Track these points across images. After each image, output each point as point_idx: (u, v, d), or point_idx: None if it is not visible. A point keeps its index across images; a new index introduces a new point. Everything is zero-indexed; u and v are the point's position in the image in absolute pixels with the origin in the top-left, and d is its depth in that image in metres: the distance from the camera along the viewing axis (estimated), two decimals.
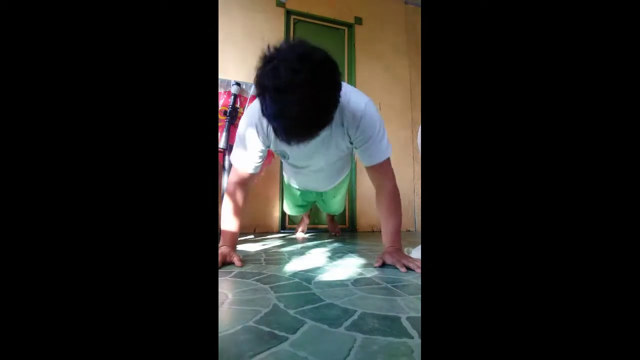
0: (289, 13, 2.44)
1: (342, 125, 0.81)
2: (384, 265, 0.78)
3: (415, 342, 0.32)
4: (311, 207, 1.75)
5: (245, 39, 2.25)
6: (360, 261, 0.87)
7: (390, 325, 0.37)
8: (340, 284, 0.60)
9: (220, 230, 0.89)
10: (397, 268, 0.74)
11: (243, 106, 1.69)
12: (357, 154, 0.90)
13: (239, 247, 1.18)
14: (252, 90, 1.74)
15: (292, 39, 0.92)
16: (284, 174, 1.43)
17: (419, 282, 0.61)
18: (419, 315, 0.41)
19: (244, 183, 0.90)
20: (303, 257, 0.95)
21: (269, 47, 0.58)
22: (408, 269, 0.72)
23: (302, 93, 0.54)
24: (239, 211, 0.89)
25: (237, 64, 2.18)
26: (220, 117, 1.60)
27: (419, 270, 0.70)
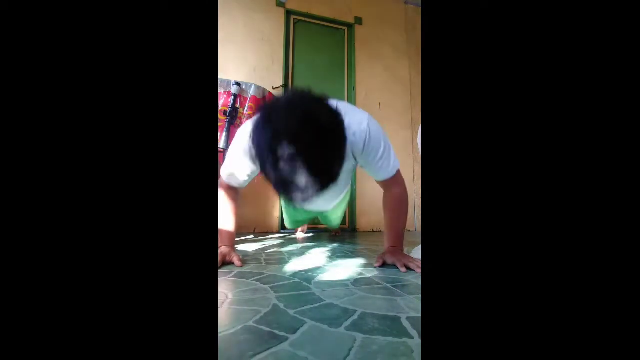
0: (289, 13, 2.44)
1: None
2: (384, 265, 0.78)
3: (415, 342, 0.33)
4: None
5: (245, 39, 2.25)
6: (360, 261, 0.87)
7: (390, 325, 0.37)
8: (340, 284, 0.60)
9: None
10: (397, 268, 0.74)
11: (243, 106, 1.69)
12: (365, 169, 0.87)
13: (239, 247, 1.18)
14: (252, 90, 1.74)
15: (290, 90, 0.82)
16: None
17: (419, 282, 0.61)
18: (419, 315, 0.41)
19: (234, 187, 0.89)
20: (303, 257, 0.95)
21: (265, 100, 0.53)
22: (408, 269, 0.72)
23: (306, 165, 0.49)
24: (234, 210, 0.88)
25: (237, 64, 2.18)
26: (220, 117, 1.60)
27: (419, 270, 0.70)
